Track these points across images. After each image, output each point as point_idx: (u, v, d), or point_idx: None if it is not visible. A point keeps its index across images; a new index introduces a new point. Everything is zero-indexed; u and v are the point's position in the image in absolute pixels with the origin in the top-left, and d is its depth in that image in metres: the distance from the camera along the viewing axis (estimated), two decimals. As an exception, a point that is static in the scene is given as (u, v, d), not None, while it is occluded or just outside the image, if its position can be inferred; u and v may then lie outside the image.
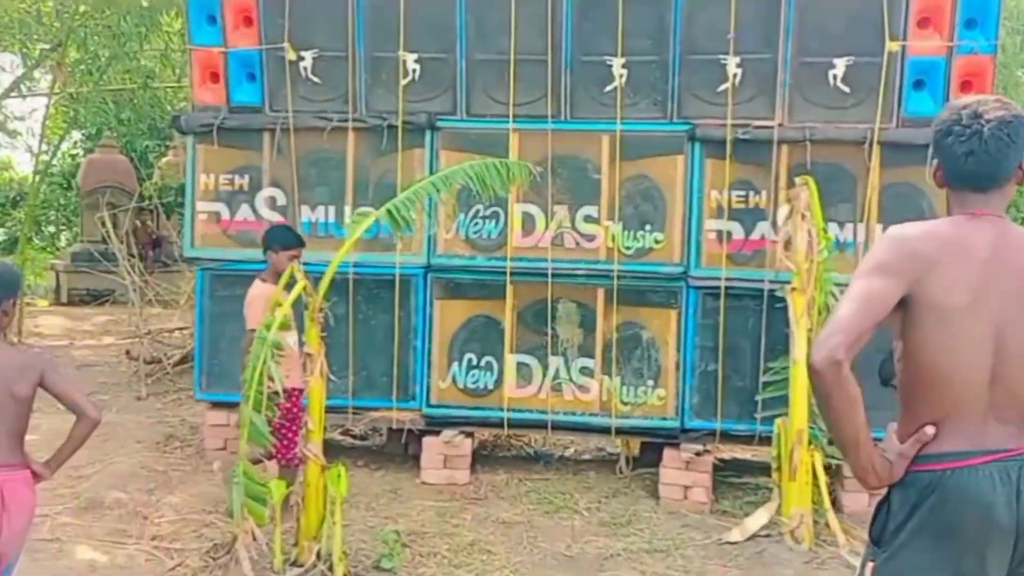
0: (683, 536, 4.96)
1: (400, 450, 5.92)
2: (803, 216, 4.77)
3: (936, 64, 5.19)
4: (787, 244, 4.89)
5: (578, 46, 5.44)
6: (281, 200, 5.72)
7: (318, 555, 4.01)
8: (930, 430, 1.99)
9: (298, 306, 4.33)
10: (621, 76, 5.44)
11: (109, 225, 8.26)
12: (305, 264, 5.49)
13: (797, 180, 4.89)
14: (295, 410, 4.59)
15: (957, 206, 2.05)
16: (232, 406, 5.76)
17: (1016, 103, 2.08)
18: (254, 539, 3.91)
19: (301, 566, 4.00)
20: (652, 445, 5.75)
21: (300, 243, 4.79)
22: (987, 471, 1.94)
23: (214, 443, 5.83)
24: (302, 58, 5.66)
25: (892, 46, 5.11)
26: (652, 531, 5.03)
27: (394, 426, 5.69)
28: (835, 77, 5.32)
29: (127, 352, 8.58)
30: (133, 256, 9.09)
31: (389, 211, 3.95)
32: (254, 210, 5.74)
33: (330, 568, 3.94)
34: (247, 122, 5.70)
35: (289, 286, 4.09)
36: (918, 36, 5.18)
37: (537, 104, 5.56)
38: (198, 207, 5.75)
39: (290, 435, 4.56)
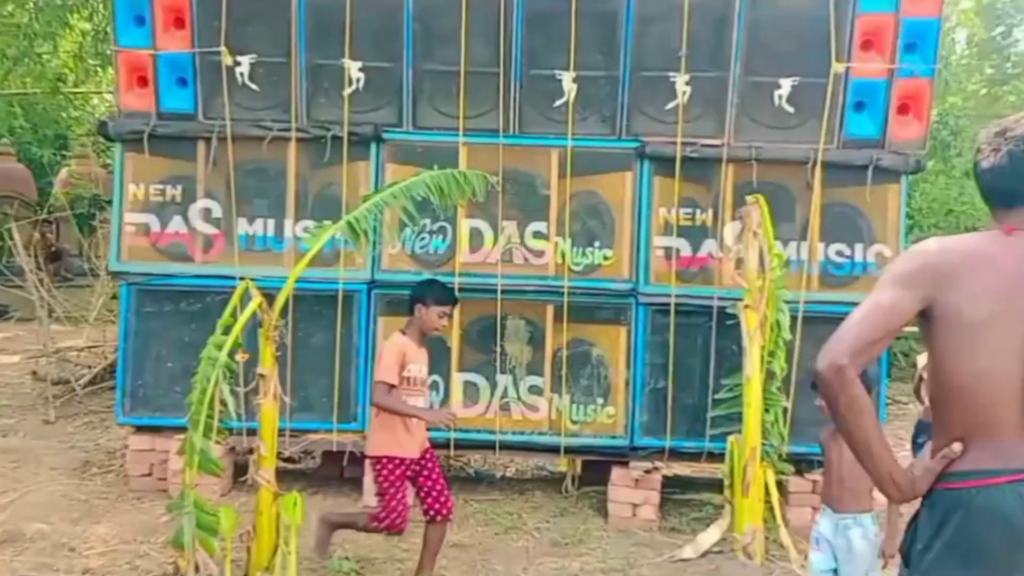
0: (635, 554, 4.90)
1: (336, 473, 5.69)
2: (755, 234, 4.79)
3: (877, 86, 5.32)
4: (739, 261, 4.90)
5: (528, 59, 5.37)
6: (216, 212, 5.44)
7: (269, 587, 3.77)
8: (957, 446, 1.96)
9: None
10: (571, 91, 5.39)
11: (17, 237, 7.72)
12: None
13: (748, 198, 4.92)
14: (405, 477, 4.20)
15: (994, 222, 2.04)
16: (157, 431, 5.46)
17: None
18: (197, 570, 3.64)
19: (252, 598, 3.76)
20: (597, 463, 5.69)
21: (454, 301, 4.40)
22: (1015, 490, 1.92)
23: (138, 469, 5.47)
24: (238, 63, 5.41)
25: (838, 67, 5.20)
26: (604, 550, 4.96)
27: (335, 448, 5.45)
28: (780, 97, 5.39)
29: (33, 372, 8.05)
30: (41, 269, 8.54)
31: (350, 223, 3.76)
32: (187, 222, 5.44)
33: (283, 600, 3.72)
34: (181, 130, 5.40)
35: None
36: (861, 58, 5.30)
37: (484, 117, 5.45)
38: (126, 218, 5.42)
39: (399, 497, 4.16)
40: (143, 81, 5.52)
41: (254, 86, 5.45)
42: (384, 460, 4.10)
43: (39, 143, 13.55)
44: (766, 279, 4.82)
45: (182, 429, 5.37)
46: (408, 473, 4.15)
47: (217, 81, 5.43)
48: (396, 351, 4.09)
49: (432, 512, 4.21)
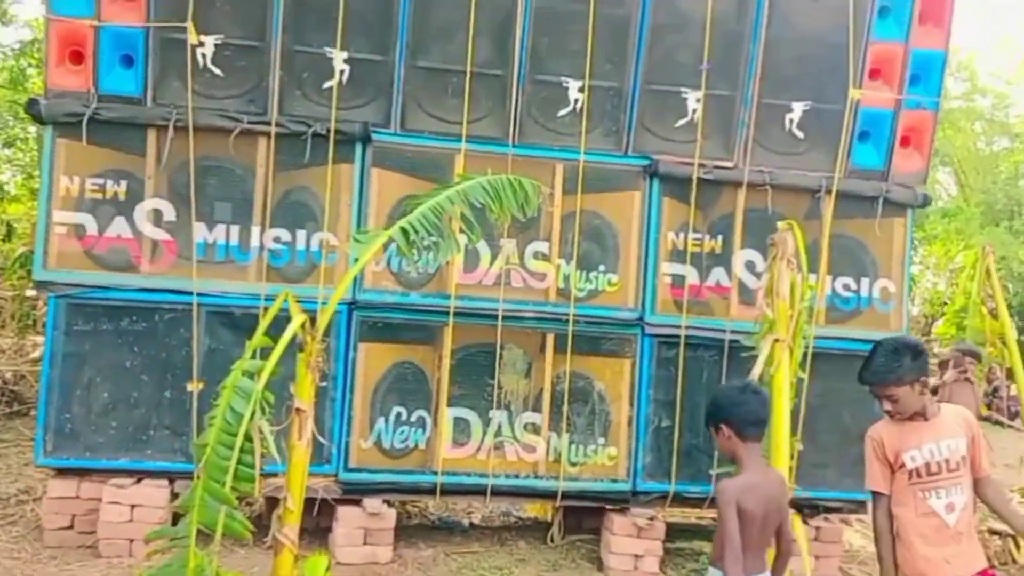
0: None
1: (310, 523, 4.90)
2: (788, 262, 4.47)
3: (883, 116, 5.17)
4: (767, 291, 4.57)
5: (533, 63, 4.88)
6: (169, 215, 4.61)
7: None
8: None
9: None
10: (577, 101, 4.95)
11: None
12: (204, 296, 4.53)
13: (780, 225, 4.60)
14: None
15: None
16: (85, 474, 4.53)
17: None
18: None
19: None
20: (577, 508, 5.19)
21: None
22: None
23: (56, 521, 4.51)
24: (202, 43, 4.64)
25: (855, 94, 5.01)
26: (611, 610, 4.46)
27: (306, 494, 4.67)
28: (791, 121, 5.16)
29: None
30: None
31: (404, 230, 3.11)
32: (132, 225, 4.57)
33: None
34: (127, 115, 4.56)
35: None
36: (869, 87, 5.14)
37: (480, 124, 4.92)
38: (55, 218, 4.49)
39: None
40: (78, 56, 4.65)
41: (217, 70, 4.69)
42: None
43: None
44: (797, 310, 4.50)
45: (117, 473, 4.52)
46: None
47: (172, 62, 4.65)
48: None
49: None
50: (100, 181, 4.57)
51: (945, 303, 14.59)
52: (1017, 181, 20.56)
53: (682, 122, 5.06)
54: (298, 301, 4.37)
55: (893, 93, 5.16)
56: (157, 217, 4.60)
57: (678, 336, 4.96)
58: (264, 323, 2.91)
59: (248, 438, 2.71)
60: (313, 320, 4.30)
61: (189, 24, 4.52)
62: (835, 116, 5.07)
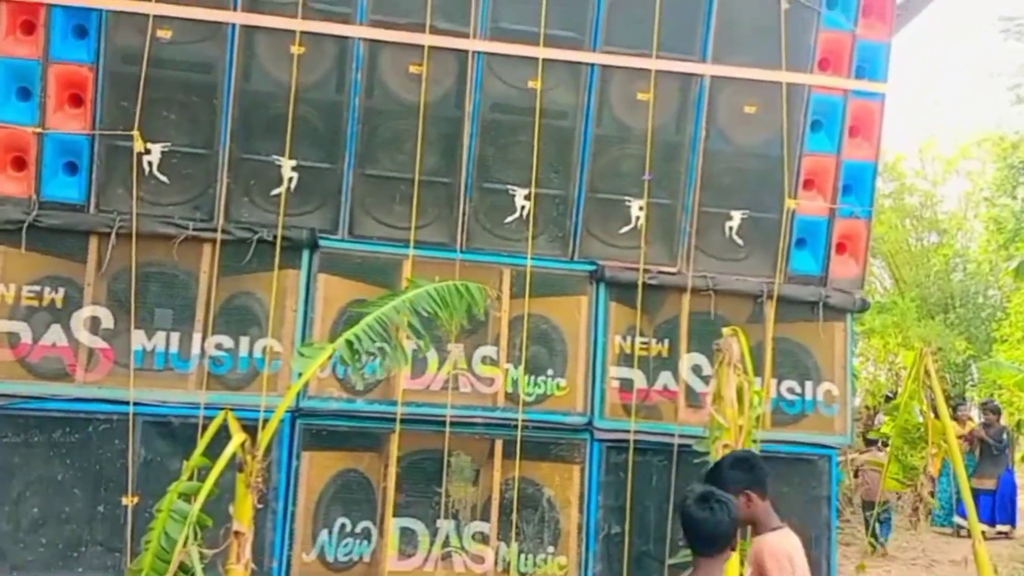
0: None
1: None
2: (734, 368, 4.53)
3: (819, 224, 5.34)
4: (715, 397, 4.61)
5: (480, 171, 4.98)
6: (108, 322, 4.52)
7: None
8: None
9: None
10: (524, 208, 5.03)
11: None
12: (141, 406, 4.42)
13: (724, 330, 4.68)
14: None
15: None
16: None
17: None
18: None
19: None
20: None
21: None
22: None
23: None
24: (148, 151, 4.64)
25: (790, 203, 5.20)
26: None
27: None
28: (731, 229, 5.30)
29: None
30: None
31: (350, 342, 3.09)
32: (68, 333, 4.46)
33: None
34: (69, 222, 4.50)
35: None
36: (804, 196, 5.33)
37: (428, 230, 4.97)
38: (-11, 325, 4.38)
39: None
40: (20, 163, 4.62)
41: (163, 177, 4.69)
42: None
43: None
44: (746, 416, 4.54)
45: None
46: None
47: (116, 169, 4.64)
48: None
49: None
50: (37, 288, 4.49)
51: (887, 396, 14.86)
52: (949, 275, 21.35)
53: (626, 229, 5.16)
54: (239, 410, 4.30)
55: (827, 202, 5.36)
56: (95, 325, 4.51)
57: (627, 441, 4.95)
58: (202, 444, 2.83)
59: (184, 568, 2.60)
60: (254, 433, 4.23)
61: (135, 133, 4.54)
62: (772, 224, 5.24)
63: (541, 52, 4.94)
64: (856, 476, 10.88)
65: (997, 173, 19.65)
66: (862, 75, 5.33)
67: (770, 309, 5.19)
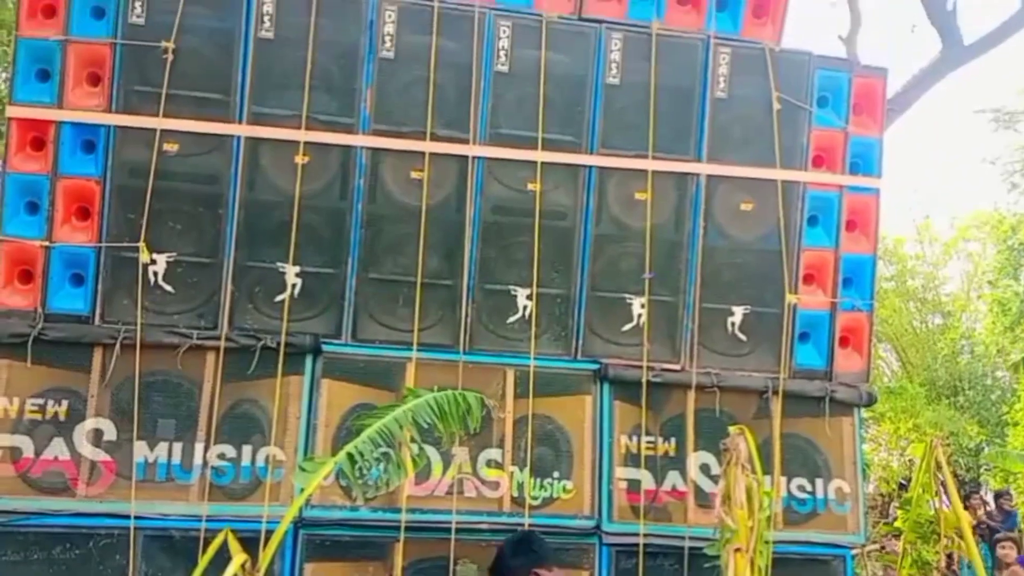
0: None
1: None
2: (743, 468, 4.47)
3: (821, 318, 5.35)
4: (724, 498, 4.53)
5: (482, 273, 5.02)
6: (110, 434, 4.49)
7: None
8: None
9: None
10: (526, 308, 5.06)
11: None
12: (142, 520, 4.36)
13: (731, 429, 4.64)
14: None
15: None
16: None
17: None
18: None
19: None
20: None
21: None
22: None
23: None
24: (154, 261, 4.70)
25: (791, 298, 5.22)
26: None
27: None
28: (733, 324, 5.31)
29: None
30: None
31: (351, 456, 3.07)
32: (71, 446, 4.43)
33: None
34: (74, 334, 4.53)
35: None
36: (805, 291, 5.36)
37: (431, 332, 4.97)
38: (-10, 441, 4.35)
39: None
40: (27, 276, 4.68)
41: (168, 287, 4.73)
42: None
43: None
44: (756, 518, 4.45)
45: None
46: None
47: (122, 279, 4.68)
48: None
49: None
50: (40, 401, 4.47)
51: (901, 483, 14.62)
52: (956, 357, 21.25)
53: (628, 326, 5.17)
54: (241, 522, 4.25)
55: (827, 296, 5.38)
56: (97, 437, 4.48)
57: (636, 545, 4.85)
58: (203, 563, 2.78)
59: None
60: (256, 544, 4.16)
61: (142, 244, 4.60)
62: (774, 319, 5.24)
63: (540, 156, 5.05)
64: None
65: (998, 255, 19.78)
66: (856, 171, 5.42)
67: (776, 405, 5.15)
